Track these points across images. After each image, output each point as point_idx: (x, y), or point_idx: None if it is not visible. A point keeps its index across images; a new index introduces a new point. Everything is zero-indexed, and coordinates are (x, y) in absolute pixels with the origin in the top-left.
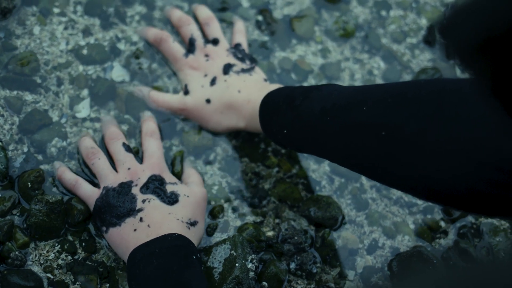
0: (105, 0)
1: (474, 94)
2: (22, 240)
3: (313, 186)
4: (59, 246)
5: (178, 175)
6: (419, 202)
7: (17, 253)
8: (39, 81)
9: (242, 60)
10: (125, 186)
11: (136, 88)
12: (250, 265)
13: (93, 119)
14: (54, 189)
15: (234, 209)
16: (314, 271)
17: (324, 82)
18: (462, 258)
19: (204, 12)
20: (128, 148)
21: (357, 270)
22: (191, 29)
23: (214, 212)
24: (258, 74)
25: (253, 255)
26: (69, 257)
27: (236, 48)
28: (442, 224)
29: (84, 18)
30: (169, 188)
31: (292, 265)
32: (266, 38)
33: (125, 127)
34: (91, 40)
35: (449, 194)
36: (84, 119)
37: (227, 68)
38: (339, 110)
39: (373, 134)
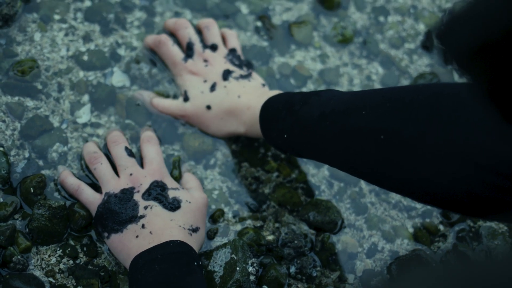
0: (105, 6)
1: (472, 99)
2: (24, 244)
3: (312, 190)
4: (60, 250)
5: (177, 180)
6: (418, 206)
7: (19, 257)
8: (40, 87)
9: (239, 66)
10: (127, 193)
11: (136, 92)
12: (250, 269)
13: (93, 124)
14: (56, 194)
15: (234, 214)
16: (314, 274)
17: (323, 87)
18: (460, 261)
19: (205, 18)
20: (130, 153)
21: (356, 274)
22: (189, 33)
23: (215, 217)
24: (256, 80)
25: (253, 259)
26: (71, 262)
27: (232, 55)
28: (441, 227)
29: (85, 25)
30: (171, 194)
31: (292, 269)
32: (265, 43)
33: (127, 132)
34: (92, 46)
35: (447, 197)
36: (84, 125)
37: (226, 74)
38: (338, 115)
39: (372, 139)
